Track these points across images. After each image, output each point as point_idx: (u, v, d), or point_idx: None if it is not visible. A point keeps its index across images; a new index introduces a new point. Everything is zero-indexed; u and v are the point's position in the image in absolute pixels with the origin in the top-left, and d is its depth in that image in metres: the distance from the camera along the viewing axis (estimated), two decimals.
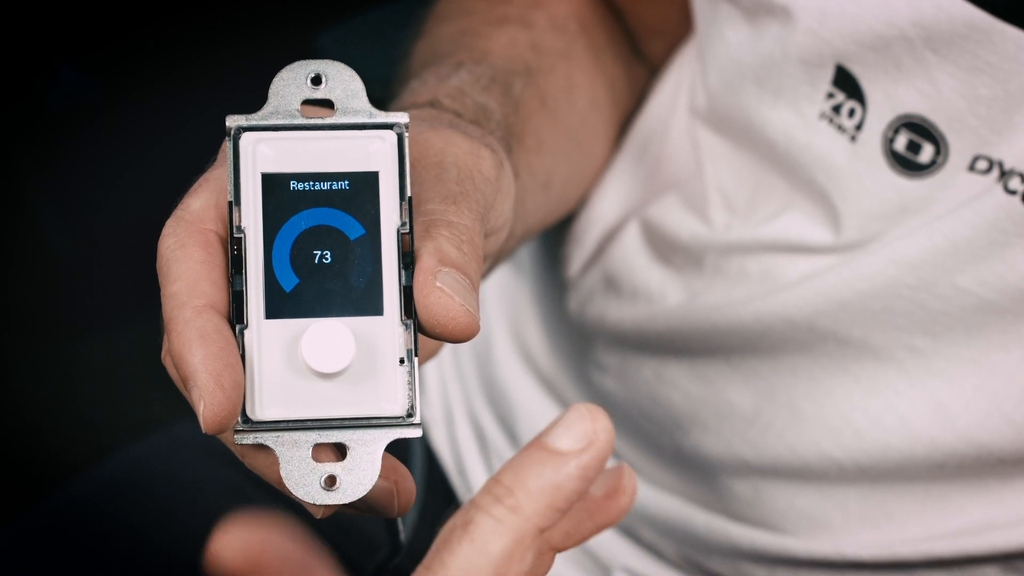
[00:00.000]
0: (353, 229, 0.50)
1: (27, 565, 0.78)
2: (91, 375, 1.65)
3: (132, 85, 1.81)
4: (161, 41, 1.83)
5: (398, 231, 0.50)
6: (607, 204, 0.79)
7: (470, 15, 0.78)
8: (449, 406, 0.87)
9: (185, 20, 1.82)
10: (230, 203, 0.50)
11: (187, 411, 0.55)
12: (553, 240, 0.82)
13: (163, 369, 0.54)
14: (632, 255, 0.77)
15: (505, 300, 0.86)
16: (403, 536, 0.59)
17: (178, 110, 1.75)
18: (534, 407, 0.83)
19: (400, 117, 0.51)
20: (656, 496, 0.77)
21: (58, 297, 1.72)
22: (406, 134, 0.51)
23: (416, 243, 0.50)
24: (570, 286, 0.80)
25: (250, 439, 0.49)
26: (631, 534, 0.79)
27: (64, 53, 1.84)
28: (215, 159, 0.53)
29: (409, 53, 0.77)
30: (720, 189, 0.74)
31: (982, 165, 0.63)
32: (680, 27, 0.79)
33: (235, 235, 0.49)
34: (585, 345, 0.79)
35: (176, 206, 0.51)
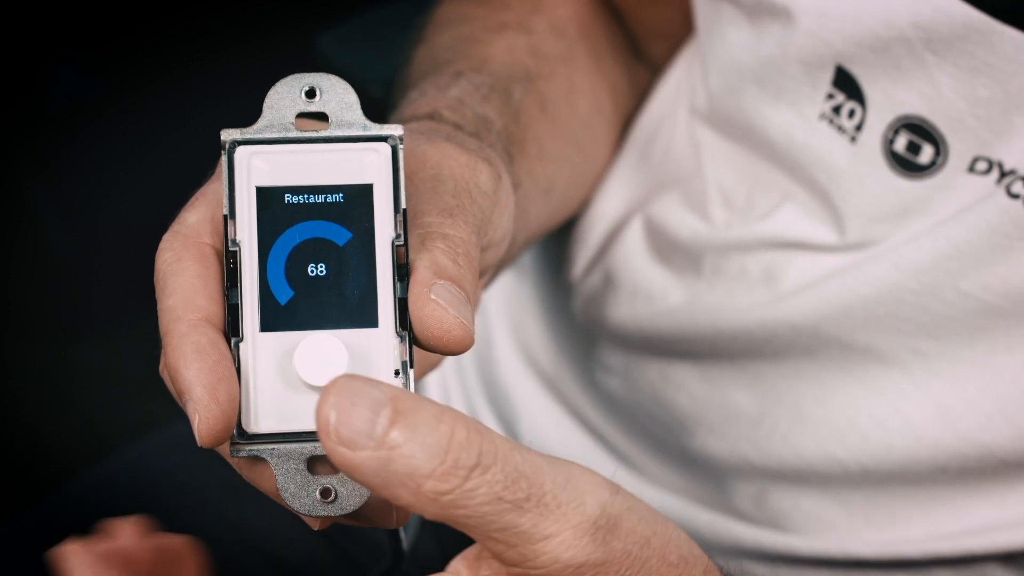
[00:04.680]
0: (348, 241, 0.50)
1: (27, 565, 0.78)
2: (91, 375, 1.65)
3: (132, 85, 1.81)
4: (161, 41, 1.83)
5: (392, 243, 0.50)
6: (610, 203, 0.79)
7: (469, 21, 0.78)
8: (449, 406, 0.87)
9: (185, 20, 1.82)
10: (225, 216, 0.50)
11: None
12: (556, 241, 0.82)
13: None
14: (634, 254, 0.77)
15: (506, 300, 0.86)
16: (405, 543, 0.59)
17: (178, 110, 1.75)
18: (535, 407, 0.83)
19: (394, 129, 0.51)
20: (658, 495, 0.77)
21: (58, 297, 1.72)
22: (400, 146, 0.51)
23: (411, 255, 0.50)
24: (574, 287, 0.80)
25: (246, 452, 0.49)
26: None
27: (64, 53, 1.84)
28: (212, 172, 0.53)
29: (408, 60, 0.77)
30: (720, 187, 0.74)
31: (982, 166, 0.63)
32: (682, 28, 0.79)
33: (230, 248, 0.50)
34: (589, 346, 0.79)
35: (173, 218, 0.51)
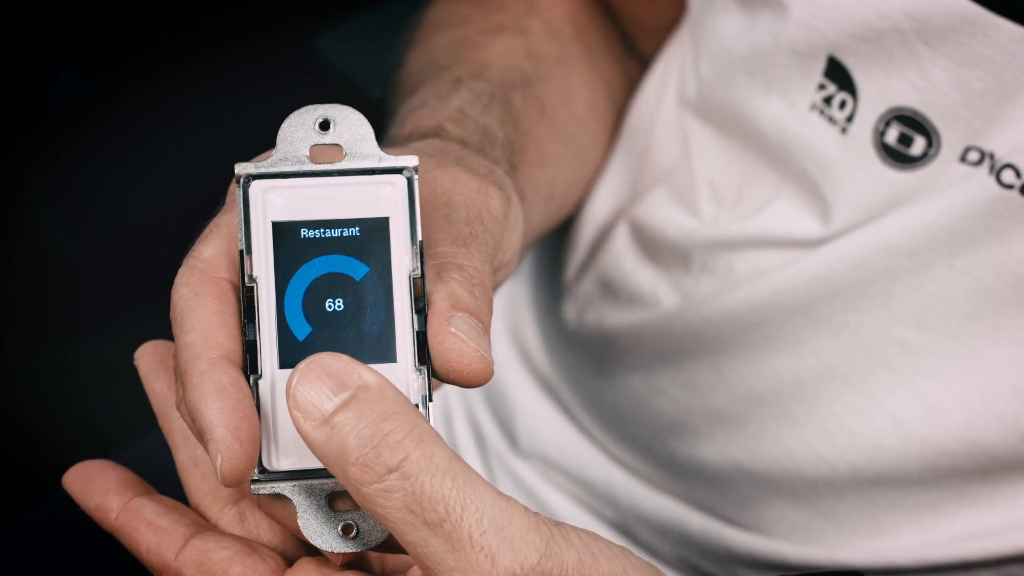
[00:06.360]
0: (365, 276, 0.50)
1: (27, 565, 0.78)
2: (91, 375, 1.65)
3: (132, 85, 1.81)
4: (161, 41, 1.83)
5: (410, 276, 0.50)
6: (598, 204, 0.79)
7: (464, 23, 0.77)
8: (447, 406, 0.87)
9: (185, 20, 1.82)
10: (241, 252, 0.49)
11: None
12: (551, 243, 0.82)
13: None
14: (622, 257, 0.77)
15: (503, 301, 0.86)
16: None
17: (178, 110, 1.75)
18: (533, 408, 0.83)
19: (409, 160, 0.51)
20: (652, 497, 0.77)
21: (58, 297, 1.72)
22: (415, 178, 0.50)
23: (428, 287, 0.50)
24: (567, 291, 0.80)
25: (267, 489, 0.49)
26: (629, 534, 0.79)
27: (64, 53, 1.84)
28: (224, 203, 0.53)
29: (402, 63, 0.77)
30: (708, 180, 0.74)
31: (973, 156, 0.63)
32: (675, 24, 0.79)
33: (247, 284, 0.49)
34: (581, 350, 0.79)
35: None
